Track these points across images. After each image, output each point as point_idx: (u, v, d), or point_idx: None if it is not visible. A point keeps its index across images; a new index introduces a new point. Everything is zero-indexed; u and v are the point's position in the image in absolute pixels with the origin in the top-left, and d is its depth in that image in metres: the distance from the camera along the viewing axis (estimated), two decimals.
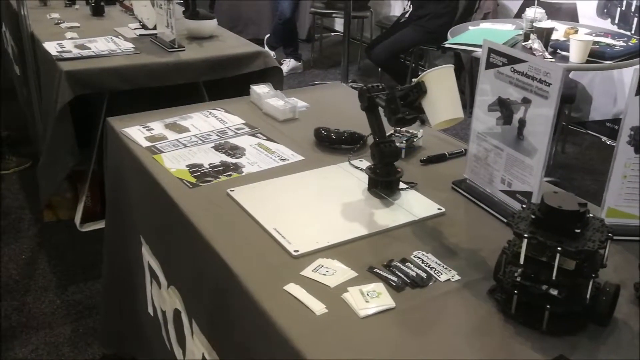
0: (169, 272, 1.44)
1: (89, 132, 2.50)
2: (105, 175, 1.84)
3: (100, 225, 2.63)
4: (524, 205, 0.98)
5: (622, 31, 3.30)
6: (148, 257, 1.56)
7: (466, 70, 4.16)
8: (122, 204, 1.72)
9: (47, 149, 2.39)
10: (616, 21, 3.64)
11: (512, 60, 1.19)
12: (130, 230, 1.69)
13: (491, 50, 1.24)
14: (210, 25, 2.66)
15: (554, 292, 0.91)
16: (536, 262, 0.91)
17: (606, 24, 3.65)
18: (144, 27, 2.75)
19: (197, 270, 1.26)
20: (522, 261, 0.91)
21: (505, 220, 1.23)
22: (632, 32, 3.50)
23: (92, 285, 2.38)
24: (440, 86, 1.19)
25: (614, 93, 3.84)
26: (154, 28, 2.65)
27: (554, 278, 0.89)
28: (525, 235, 0.90)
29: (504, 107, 1.23)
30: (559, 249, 0.87)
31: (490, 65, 1.25)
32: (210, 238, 1.18)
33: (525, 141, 1.19)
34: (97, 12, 3.05)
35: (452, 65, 1.20)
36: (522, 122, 1.19)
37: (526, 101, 1.17)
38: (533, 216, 0.92)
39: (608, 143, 3.94)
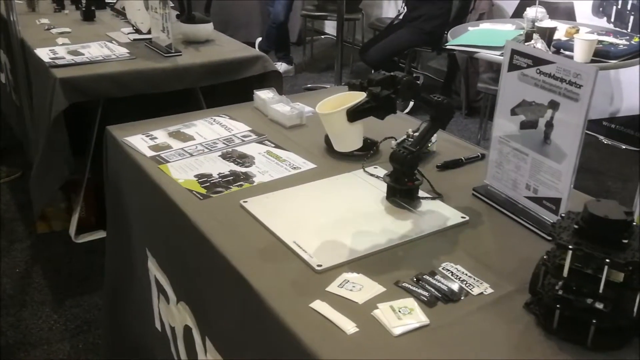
0: (179, 287, 1.38)
1: (83, 140, 2.43)
2: (106, 186, 1.77)
3: (96, 236, 2.57)
4: (562, 214, 0.94)
5: (621, 30, 3.28)
6: (155, 270, 1.50)
7: (461, 71, 4.13)
8: (125, 216, 1.65)
9: (41, 158, 2.32)
10: (612, 20, 3.62)
11: (538, 62, 1.15)
12: (134, 242, 1.63)
13: (514, 52, 1.20)
14: (206, 29, 2.60)
15: (600, 305, 0.86)
16: (580, 275, 0.87)
17: (602, 23, 3.63)
18: (137, 31, 2.68)
19: (212, 287, 1.20)
20: (566, 274, 0.87)
21: (532, 228, 1.19)
22: (629, 30, 3.49)
23: (89, 298, 2.31)
24: (343, 123, 1.15)
25: (611, 92, 3.82)
26: (149, 32, 2.58)
27: (601, 291, 0.84)
28: (570, 246, 0.85)
29: (529, 111, 1.19)
30: (607, 260, 0.83)
31: (513, 67, 1.20)
32: (226, 252, 1.12)
33: (552, 145, 1.15)
34: (88, 16, 2.98)
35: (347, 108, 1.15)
36: (549, 126, 1.14)
37: (554, 104, 1.13)
38: (576, 226, 0.88)
39: (605, 142, 3.93)
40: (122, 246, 1.71)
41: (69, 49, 2.43)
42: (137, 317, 1.73)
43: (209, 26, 2.61)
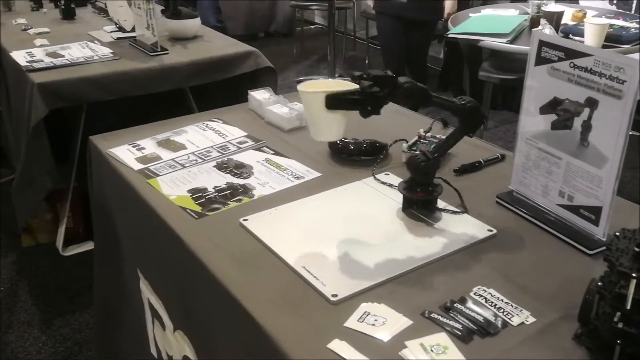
0: (176, 314, 1.25)
1: (67, 146, 2.29)
2: (91, 201, 1.63)
3: (85, 248, 2.43)
4: (617, 233, 0.81)
5: (625, 11, 3.15)
6: (148, 294, 1.36)
7: (466, 61, 3.97)
8: (113, 234, 1.52)
9: (22, 168, 2.17)
10: (614, 1, 3.49)
11: (572, 54, 1.02)
12: (124, 262, 1.50)
13: (543, 43, 1.07)
14: (193, 24, 2.45)
15: None
16: None
17: (604, 5, 3.50)
18: (120, 29, 2.53)
19: (212, 319, 1.07)
20: (629, 306, 0.74)
21: (568, 240, 1.06)
22: (632, 12, 3.35)
23: (80, 316, 2.17)
24: (321, 108, 1.02)
25: None
26: (133, 30, 2.43)
27: None
28: (634, 274, 0.73)
29: (561, 109, 1.06)
30: None
31: (542, 60, 1.07)
32: (227, 281, 0.99)
33: (590, 148, 1.02)
34: (68, 15, 2.82)
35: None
36: (586, 127, 1.02)
37: (592, 102, 1.00)
38: (637, 249, 0.75)
39: None
40: (111, 265, 1.58)
41: (48, 50, 2.28)
42: (131, 340, 1.60)
43: (197, 21, 2.46)
